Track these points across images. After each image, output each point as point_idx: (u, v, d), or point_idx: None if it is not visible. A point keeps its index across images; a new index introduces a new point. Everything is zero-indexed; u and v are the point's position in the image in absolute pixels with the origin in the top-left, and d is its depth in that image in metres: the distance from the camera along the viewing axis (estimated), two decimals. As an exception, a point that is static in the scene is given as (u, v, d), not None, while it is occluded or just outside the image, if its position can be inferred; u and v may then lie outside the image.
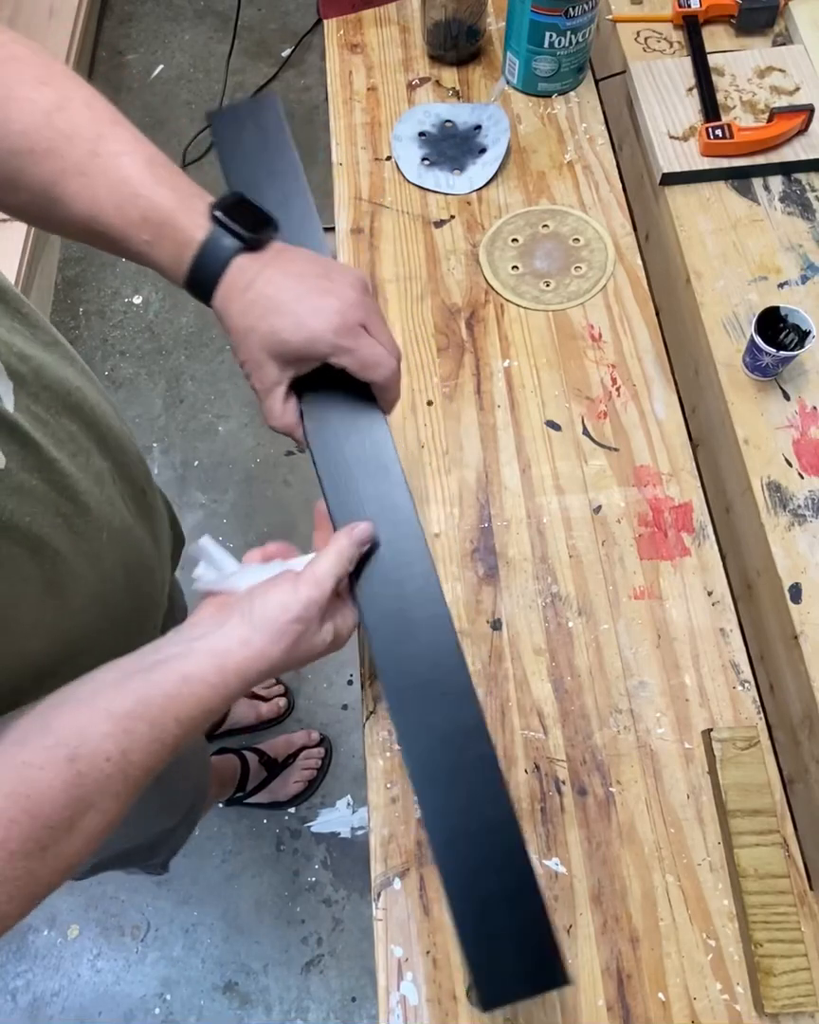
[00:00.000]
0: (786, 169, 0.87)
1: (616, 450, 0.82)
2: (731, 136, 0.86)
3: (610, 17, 1.00)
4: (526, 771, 0.70)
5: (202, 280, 0.52)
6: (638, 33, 0.99)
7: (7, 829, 0.39)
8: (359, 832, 1.49)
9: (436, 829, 0.51)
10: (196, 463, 1.83)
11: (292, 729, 1.58)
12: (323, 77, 1.07)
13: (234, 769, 1.48)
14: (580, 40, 0.94)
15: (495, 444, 0.83)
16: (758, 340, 0.72)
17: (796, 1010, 0.61)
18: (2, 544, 0.48)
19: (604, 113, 1.00)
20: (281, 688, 1.60)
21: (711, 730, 0.68)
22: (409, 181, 0.97)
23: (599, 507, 0.79)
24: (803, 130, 0.87)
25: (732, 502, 0.77)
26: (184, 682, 0.46)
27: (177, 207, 0.50)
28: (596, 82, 1.02)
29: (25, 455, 0.50)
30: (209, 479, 1.81)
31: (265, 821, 1.52)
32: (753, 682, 0.72)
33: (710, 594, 0.76)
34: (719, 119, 0.89)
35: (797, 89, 0.91)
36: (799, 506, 0.72)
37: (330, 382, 0.55)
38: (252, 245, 0.52)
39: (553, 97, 1.01)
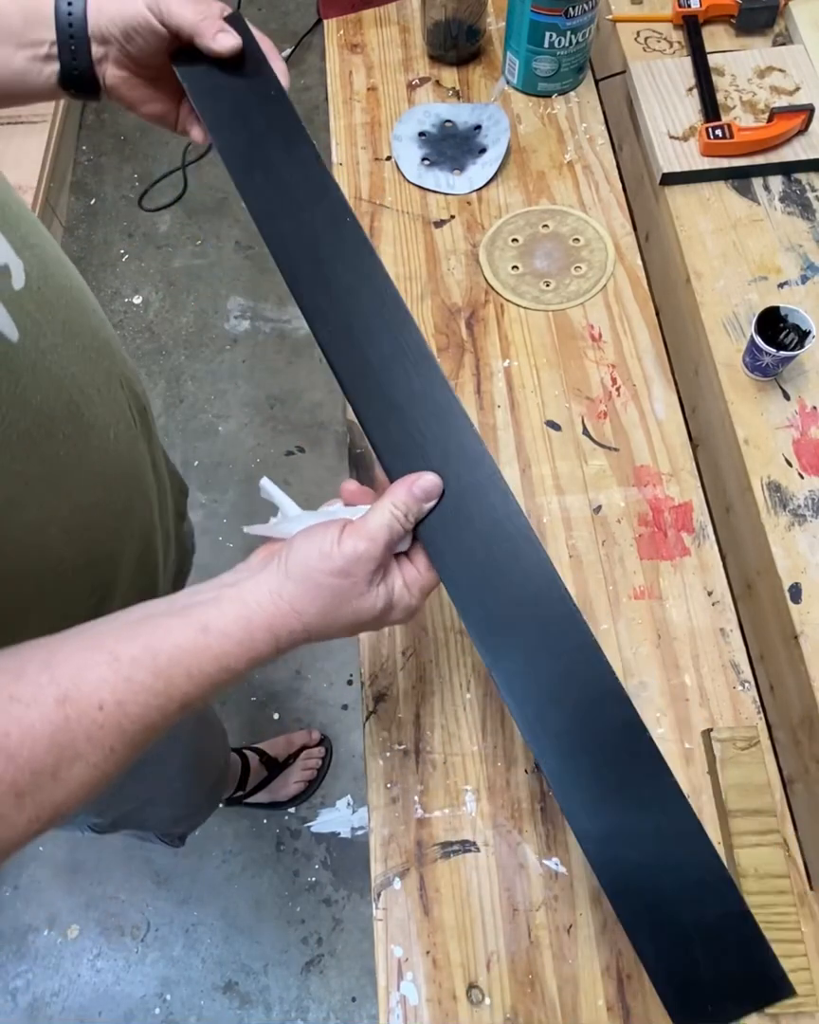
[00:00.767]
0: (786, 169, 0.88)
1: (616, 450, 0.82)
2: (731, 136, 0.86)
3: (610, 17, 1.00)
4: (526, 771, 0.70)
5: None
6: (638, 33, 0.99)
7: None
8: (359, 832, 1.49)
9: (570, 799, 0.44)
10: (196, 463, 1.83)
11: (292, 729, 1.58)
12: (323, 77, 1.07)
13: (234, 768, 1.48)
14: (580, 40, 0.94)
15: (495, 444, 0.83)
16: (758, 340, 0.72)
17: (796, 1010, 0.61)
18: (17, 421, 0.45)
19: (604, 113, 1.00)
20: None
21: (711, 730, 0.68)
22: (409, 181, 0.97)
23: (599, 507, 0.79)
24: (803, 130, 0.87)
25: (732, 502, 0.77)
26: (203, 632, 0.42)
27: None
28: (596, 82, 1.02)
29: (39, 334, 0.47)
30: (209, 479, 1.81)
31: (265, 821, 1.52)
32: (753, 682, 0.72)
33: (710, 594, 0.76)
34: (719, 119, 0.89)
35: (797, 89, 0.92)
36: (799, 506, 0.72)
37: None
38: None
39: (553, 97, 1.01)
